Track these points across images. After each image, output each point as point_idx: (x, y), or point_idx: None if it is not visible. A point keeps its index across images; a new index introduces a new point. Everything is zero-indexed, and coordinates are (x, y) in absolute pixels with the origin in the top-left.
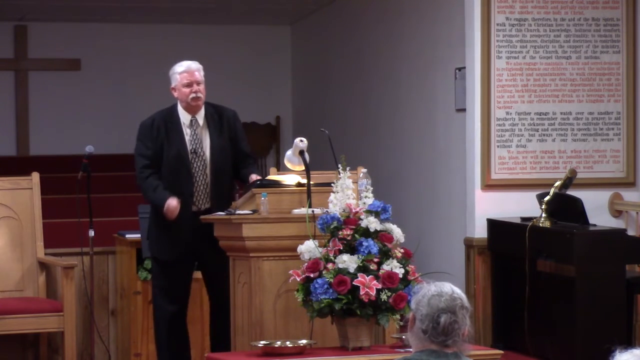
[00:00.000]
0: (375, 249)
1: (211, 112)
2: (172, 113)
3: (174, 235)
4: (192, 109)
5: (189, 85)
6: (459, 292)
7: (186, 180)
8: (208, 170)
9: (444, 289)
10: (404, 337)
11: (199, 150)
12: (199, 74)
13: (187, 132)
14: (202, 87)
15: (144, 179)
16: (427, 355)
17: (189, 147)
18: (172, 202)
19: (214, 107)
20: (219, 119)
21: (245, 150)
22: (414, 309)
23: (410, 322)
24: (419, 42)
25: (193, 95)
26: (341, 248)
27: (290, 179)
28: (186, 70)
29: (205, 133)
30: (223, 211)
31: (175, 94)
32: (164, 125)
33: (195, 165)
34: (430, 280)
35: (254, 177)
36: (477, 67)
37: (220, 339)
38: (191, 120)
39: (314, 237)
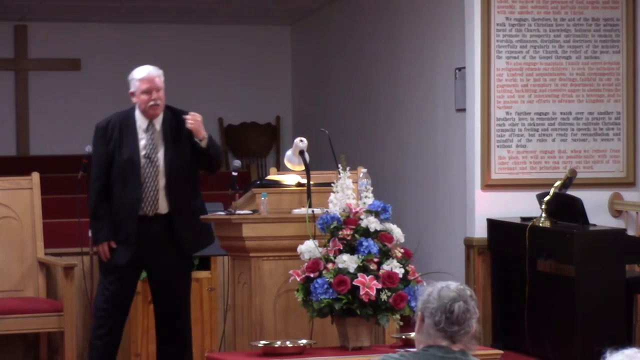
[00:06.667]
0: (375, 249)
1: (169, 116)
2: (129, 115)
3: (120, 240)
4: (150, 116)
5: (148, 92)
6: (465, 286)
7: (135, 186)
8: (160, 177)
9: (449, 282)
10: (403, 336)
11: (153, 156)
12: (159, 80)
13: (142, 137)
14: (161, 93)
15: (93, 199)
16: (435, 351)
17: (142, 153)
18: (102, 250)
19: (172, 112)
20: (177, 124)
21: None
22: (421, 308)
23: (418, 322)
24: (418, 42)
25: (152, 102)
26: (341, 248)
27: (290, 179)
28: (146, 77)
29: (161, 139)
30: (184, 216)
31: (134, 100)
32: (118, 128)
33: (146, 171)
34: (431, 281)
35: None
36: (477, 67)
37: (171, 353)
38: (148, 125)
39: (314, 237)
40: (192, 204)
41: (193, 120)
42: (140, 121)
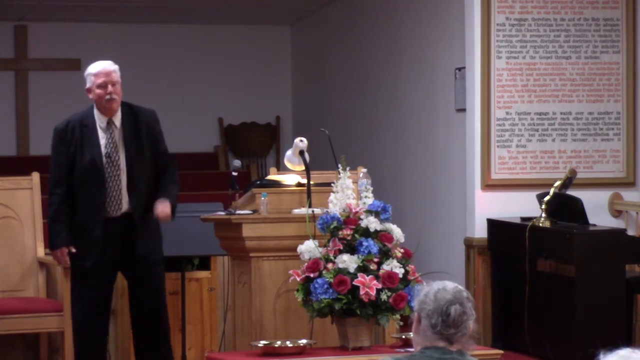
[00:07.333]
0: (375, 249)
1: (127, 113)
2: (88, 116)
3: (86, 242)
4: (107, 111)
5: (104, 86)
6: (461, 287)
7: (98, 188)
8: (122, 176)
9: (446, 283)
10: (403, 336)
11: (114, 155)
12: (116, 75)
13: (102, 136)
14: (117, 87)
15: (54, 203)
16: (433, 352)
17: (103, 152)
18: (60, 255)
19: (130, 108)
20: (135, 120)
21: (162, 150)
22: (417, 309)
23: (415, 323)
24: (418, 42)
25: (107, 97)
26: (341, 248)
27: (290, 179)
28: (101, 71)
29: (121, 137)
30: (144, 214)
31: (90, 96)
32: (79, 129)
33: (108, 172)
34: (429, 281)
35: (159, 206)
36: (477, 67)
37: (151, 352)
38: (108, 123)
39: (314, 237)
40: (150, 202)
41: (165, 218)
42: (100, 120)
